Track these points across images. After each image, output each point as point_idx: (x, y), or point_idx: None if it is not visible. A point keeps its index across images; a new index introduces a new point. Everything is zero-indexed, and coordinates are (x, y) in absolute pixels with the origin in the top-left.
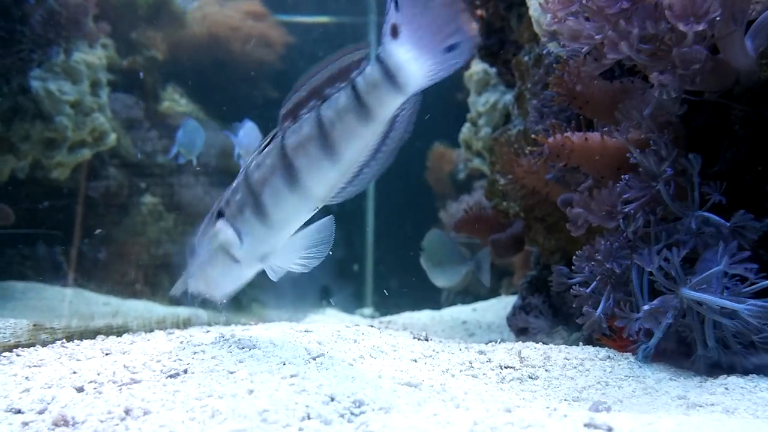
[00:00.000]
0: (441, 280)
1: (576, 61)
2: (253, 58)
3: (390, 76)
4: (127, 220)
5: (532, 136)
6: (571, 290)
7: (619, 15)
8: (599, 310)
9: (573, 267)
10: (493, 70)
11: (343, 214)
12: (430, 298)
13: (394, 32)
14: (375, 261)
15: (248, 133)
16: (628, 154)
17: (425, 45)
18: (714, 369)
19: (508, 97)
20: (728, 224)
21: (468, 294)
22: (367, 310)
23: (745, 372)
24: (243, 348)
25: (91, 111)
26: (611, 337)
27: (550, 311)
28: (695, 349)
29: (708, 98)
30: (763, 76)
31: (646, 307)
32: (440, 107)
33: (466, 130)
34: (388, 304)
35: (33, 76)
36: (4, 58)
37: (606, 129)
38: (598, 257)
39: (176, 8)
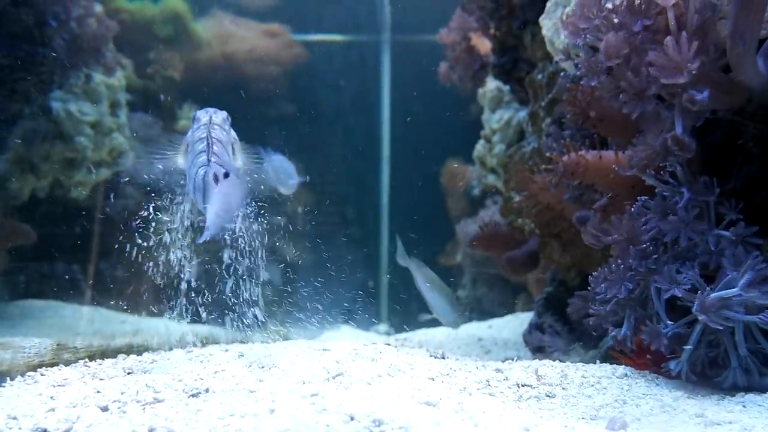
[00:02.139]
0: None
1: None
2: (267, 76)
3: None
4: (144, 237)
5: (547, 154)
6: (590, 309)
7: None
8: (624, 329)
9: (590, 287)
10: (506, 88)
11: (358, 229)
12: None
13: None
14: (390, 277)
15: (278, 164)
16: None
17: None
18: (732, 388)
19: (522, 114)
20: (735, 235)
21: (484, 312)
22: (383, 327)
23: (762, 390)
24: (263, 367)
25: (110, 131)
26: (628, 354)
27: (566, 329)
28: (724, 364)
29: (721, 116)
30: None
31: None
32: (454, 124)
33: (480, 147)
34: (403, 321)
35: (54, 98)
36: (26, 81)
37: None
38: (616, 277)
39: (194, 32)
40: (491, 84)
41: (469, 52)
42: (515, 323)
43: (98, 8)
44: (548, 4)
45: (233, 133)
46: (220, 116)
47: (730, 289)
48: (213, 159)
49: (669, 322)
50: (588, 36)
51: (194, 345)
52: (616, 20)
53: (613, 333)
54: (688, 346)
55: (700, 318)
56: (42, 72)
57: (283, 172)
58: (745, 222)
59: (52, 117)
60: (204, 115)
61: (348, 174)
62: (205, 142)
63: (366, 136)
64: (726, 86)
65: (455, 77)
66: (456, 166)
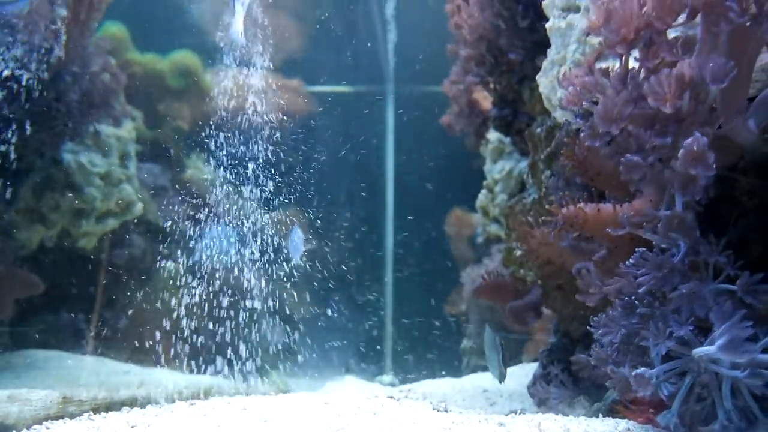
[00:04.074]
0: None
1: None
2: (276, 125)
3: None
4: (148, 287)
5: (546, 206)
6: (591, 351)
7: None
8: (625, 370)
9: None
10: (507, 139)
11: (362, 278)
12: (451, 364)
13: None
14: (394, 326)
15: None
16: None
17: None
18: None
19: (523, 164)
20: (737, 288)
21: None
22: (387, 377)
23: None
24: (265, 421)
25: (119, 182)
26: (631, 408)
27: (570, 380)
28: (714, 417)
29: (716, 171)
30: (766, 151)
31: (663, 368)
32: (458, 173)
33: (482, 196)
34: (408, 371)
35: (65, 149)
36: (40, 133)
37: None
38: (613, 324)
39: (204, 83)
40: (493, 135)
41: (471, 106)
42: (521, 374)
43: (111, 61)
44: (544, 63)
45: None
46: None
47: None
48: None
49: (657, 370)
50: (584, 101)
51: (197, 397)
52: (609, 86)
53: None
54: (677, 399)
55: (687, 371)
56: (55, 125)
57: (294, 243)
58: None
59: (62, 168)
60: None
61: (352, 221)
62: None
63: (371, 186)
64: (719, 145)
65: (458, 129)
66: (460, 213)
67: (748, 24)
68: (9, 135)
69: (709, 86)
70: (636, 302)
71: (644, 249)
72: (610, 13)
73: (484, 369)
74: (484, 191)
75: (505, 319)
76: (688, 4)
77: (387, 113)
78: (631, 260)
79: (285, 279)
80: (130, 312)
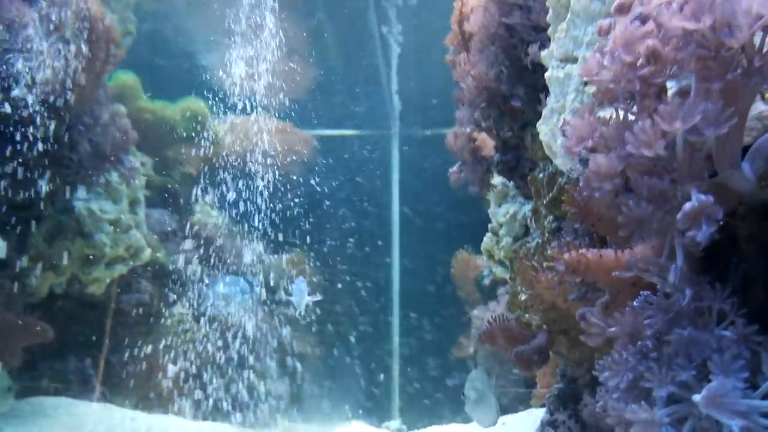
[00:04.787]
0: (484, 420)
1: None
2: (282, 169)
3: None
4: (156, 331)
5: (548, 253)
6: (597, 398)
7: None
8: (629, 413)
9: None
10: (511, 183)
11: (369, 322)
12: (458, 409)
13: None
14: (401, 370)
15: (301, 288)
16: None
17: None
18: None
19: (527, 207)
20: (735, 335)
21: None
22: (394, 423)
23: None
24: None
25: (128, 228)
26: None
27: (578, 426)
28: None
29: None
30: (764, 197)
31: (665, 412)
32: (463, 215)
33: (487, 239)
34: (415, 415)
35: (76, 197)
36: (53, 182)
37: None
38: (618, 367)
39: (212, 129)
40: (497, 179)
41: (475, 154)
42: (529, 421)
43: (122, 109)
44: (544, 111)
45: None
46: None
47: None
48: None
49: (660, 414)
50: (582, 150)
51: None
52: (608, 137)
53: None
54: None
55: (688, 416)
56: (67, 174)
57: (298, 293)
58: (744, 321)
59: (73, 215)
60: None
61: (359, 263)
62: None
63: (377, 228)
64: (717, 192)
65: (462, 176)
66: (466, 256)
67: (739, 78)
68: (22, 183)
69: (704, 133)
70: (641, 345)
71: (648, 292)
72: (602, 67)
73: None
74: (489, 234)
75: (512, 363)
76: (680, 60)
77: (392, 157)
78: (635, 303)
79: (292, 324)
80: (138, 358)
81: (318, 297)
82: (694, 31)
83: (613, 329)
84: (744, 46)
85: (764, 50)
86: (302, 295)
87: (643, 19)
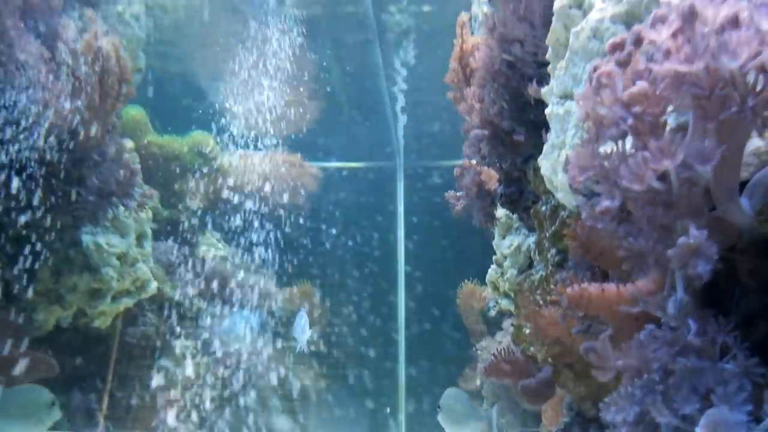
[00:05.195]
0: None
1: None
2: (288, 201)
3: None
4: (160, 365)
5: (551, 286)
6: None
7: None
8: None
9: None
10: (515, 215)
11: (374, 353)
12: None
13: None
14: (407, 403)
15: (302, 322)
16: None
17: None
18: None
19: (532, 239)
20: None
21: None
22: None
23: None
24: None
25: (135, 261)
26: None
27: None
28: None
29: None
30: (763, 231)
31: None
32: (468, 246)
33: (492, 271)
34: None
35: (84, 231)
36: (62, 217)
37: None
38: (624, 402)
39: (219, 163)
40: (500, 211)
41: (480, 186)
42: None
43: (130, 143)
44: (545, 146)
45: None
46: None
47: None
48: None
49: None
50: (584, 181)
51: None
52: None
53: None
54: None
55: None
56: (75, 209)
57: (300, 327)
58: (746, 354)
59: (80, 249)
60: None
61: (365, 293)
62: None
63: (382, 260)
64: (716, 226)
65: (461, 202)
66: (471, 287)
67: (734, 116)
68: (30, 218)
69: (695, 168)
70: (648, 378)
71: (654, 326)
72: (596, 103)
73: None
74: (493, 266)
75: (518, 396)
76: (674, 99)
77: (397, 189)
78: (641, 336)
79: (297, 357)
80: (142, 391)
81: (317, 331)
82: (687, 73)
83: (620, 362)
84: (737, 86)
85: (757, 89)
86: (303, 329)
87: (633, 60)
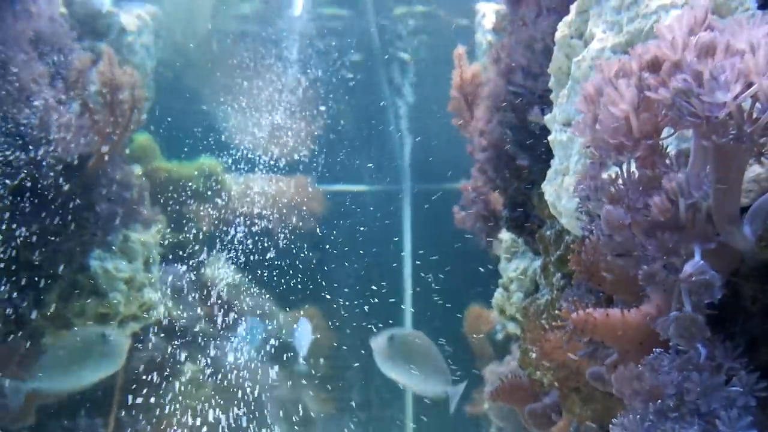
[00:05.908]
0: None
1: (592, 241)
2: (294, 225)
3: None
4: (167, 389)
5: (556, 312)
6: None
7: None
8: None
9: None
10: (520, 239)
11: (380, 381)
12: None
13: None
14: (415, 421)
15: (304, 330)
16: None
17: None
18: None
19: (537, 263)
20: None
21: None
22: None
23: None
24: None
25: (142, 286)
26: None
27: None
28: None
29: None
30: (764, 257)
31: None
32: (474, 270)
33: (498, 295)
34: None
35: (92, 256)
36: (70, 241)
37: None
38: (633, 426)
39: (226, 186)
40: (506, 234)
41: (486, 209)
42: None
43: (138, 169)
44: (549, 172)
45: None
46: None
47: None
48: None
49: None
50: (589, 205)
51: None
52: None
53: None
54: None
55: None
56: (84, 234)
57: (301, 335)
58: (749, 376)
59: (88, 274)
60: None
61: (371, 317)
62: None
63: (389, 280)
64: (719, 251)
65: (469, 225)
66: (478, 310)
67: (731, 143)
68: (39, 243)
69: (694, 194)
70: (660, 403)
71: (661, 350)
72: (593, 129)
73: None
74: (499, 290)
75: (525, 421)
76: (668, 124)
77: (404, 212)
78: (651, 360)
79: (303, 379)
80: (148, 416)
81: (306, 357)
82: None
83: (641, 385)
84: (732, 114)
85: (753, 116)
86: (305, 337)
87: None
